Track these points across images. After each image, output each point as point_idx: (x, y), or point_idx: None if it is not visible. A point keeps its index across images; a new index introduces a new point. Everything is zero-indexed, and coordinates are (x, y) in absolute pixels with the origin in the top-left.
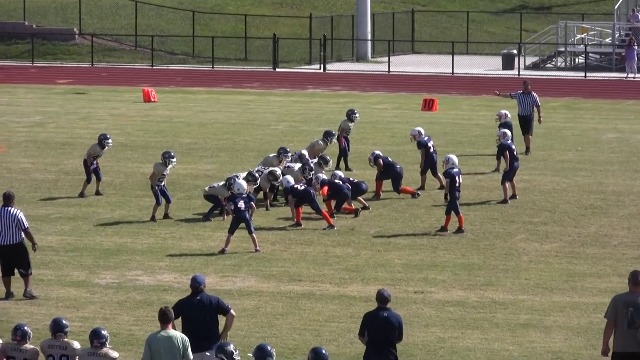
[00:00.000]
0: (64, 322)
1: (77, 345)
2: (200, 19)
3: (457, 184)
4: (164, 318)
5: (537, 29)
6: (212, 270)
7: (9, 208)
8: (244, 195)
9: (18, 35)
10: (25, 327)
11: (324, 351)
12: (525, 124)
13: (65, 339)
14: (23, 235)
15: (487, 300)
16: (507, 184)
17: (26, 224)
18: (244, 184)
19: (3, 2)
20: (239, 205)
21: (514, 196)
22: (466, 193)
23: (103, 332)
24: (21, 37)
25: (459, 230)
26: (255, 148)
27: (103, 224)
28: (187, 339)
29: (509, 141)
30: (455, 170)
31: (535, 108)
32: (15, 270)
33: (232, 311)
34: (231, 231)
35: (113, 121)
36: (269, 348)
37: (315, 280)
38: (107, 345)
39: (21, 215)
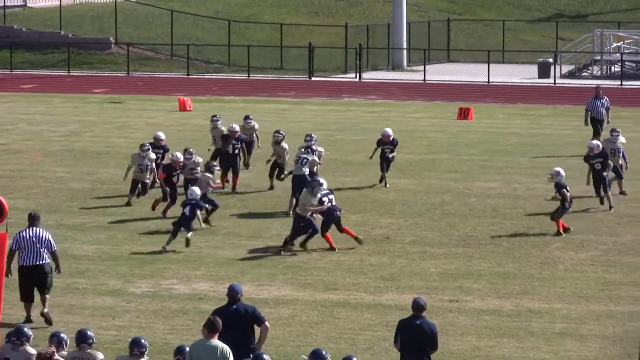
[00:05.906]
0: (88, 333)
1: (100, 356)
2: (236, 28)
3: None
4: (212, 327)
5: (573, 37)
6: (248, 279)
7: (35, 228)
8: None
9: (54, 44)
10: (62, 335)
11: (324, 352)
12: (599, 126)
13: (89, 350)
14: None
15: (523, 309)
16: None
17: (54, 247)
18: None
19: (40, 12)
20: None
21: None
22: (502, 202)
23: (143, 341)
24: (57, 47)
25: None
26: (291, 157)
27: (139, 232)
28: (230, 352)
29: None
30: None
31: (606, 111)
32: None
33: (266, 323)
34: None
35: (149, 130)
36: (324, 353)
37: (351, 288)
38: (146, 356)
39: (50, 237)
